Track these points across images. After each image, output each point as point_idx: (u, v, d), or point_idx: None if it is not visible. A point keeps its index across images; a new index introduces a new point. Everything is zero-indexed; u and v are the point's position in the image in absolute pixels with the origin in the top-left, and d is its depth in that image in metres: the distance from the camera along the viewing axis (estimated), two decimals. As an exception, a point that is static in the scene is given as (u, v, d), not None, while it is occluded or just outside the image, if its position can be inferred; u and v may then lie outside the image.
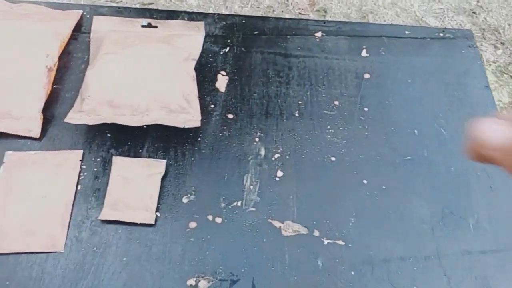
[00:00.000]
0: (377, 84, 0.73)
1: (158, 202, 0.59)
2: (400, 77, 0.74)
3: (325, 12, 0.99)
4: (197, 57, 0.72)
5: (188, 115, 0.64)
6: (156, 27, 0.76)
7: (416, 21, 1.04)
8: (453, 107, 0.71)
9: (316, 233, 0.57)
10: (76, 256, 0.54)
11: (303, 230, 0.57)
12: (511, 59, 0.96)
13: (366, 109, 0.70)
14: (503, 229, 0.60)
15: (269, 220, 0.58)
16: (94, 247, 0.55)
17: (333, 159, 0.64)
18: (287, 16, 0.97)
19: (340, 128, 0.67)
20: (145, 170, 0.61)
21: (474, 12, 1.03)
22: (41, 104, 0.65)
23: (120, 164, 0.61)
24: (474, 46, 0.80)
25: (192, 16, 0.79)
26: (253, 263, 0.55)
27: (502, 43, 0.97)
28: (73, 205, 0.58)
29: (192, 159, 0.63)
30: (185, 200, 0.59)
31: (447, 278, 0.55)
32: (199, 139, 0.65)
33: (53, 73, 0.70)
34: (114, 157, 0.62)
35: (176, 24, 0.76)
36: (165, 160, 0.62)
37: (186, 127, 0.63)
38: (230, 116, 0.68)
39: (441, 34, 0.80)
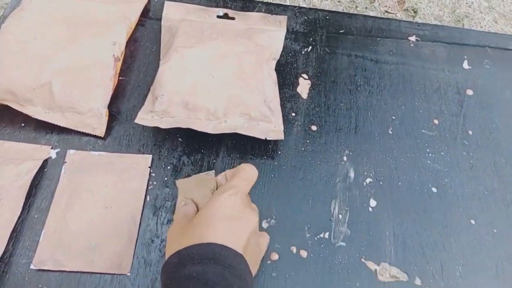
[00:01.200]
0: (482, 102, 0.64)
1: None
2: (508, 95, 0.65)
3: (415, 12, 0.89)
4: (278, 56, 0.64)
5: (270, 125, 0.56)
6: (233, 18, 0.68)
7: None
8: None
9: (418, 281, 0.49)
10: (144, 282, 0.48)
11: (402, 277, 0.49)
12: None
13: (470, 132, 0.61)
14: None
15: (362, 260, 0.50)
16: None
17: (434, 190, 0.55)
18: (371, 13, 0.88)
19: (442, 153, 0.58)
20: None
21: None
22: (107, 99, 0.58)
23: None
24: None
25: (269, 7, 0.71)
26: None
27: None
28: (141, 219, 0.52)
29: (272, 175, 0.55)
30: (265, 224, 0.52)
31: None
32: (279, 152, 0.57)
33: (120, 64, 0.63)
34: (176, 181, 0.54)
35: (255, 16, 0.67)
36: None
37: (268, 139, 0.55)
38: (314, 128, 0.60)
39: (554, 48, 0.70)
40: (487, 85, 0.65)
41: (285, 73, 0.65)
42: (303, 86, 0.64)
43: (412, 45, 0.69)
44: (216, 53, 0.59)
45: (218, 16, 0.68)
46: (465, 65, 0.67)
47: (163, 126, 0.55)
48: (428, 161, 0.58)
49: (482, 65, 0.68)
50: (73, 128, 0.57)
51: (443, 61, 0.68)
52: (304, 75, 0.65)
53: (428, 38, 0.70)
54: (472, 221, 0.53)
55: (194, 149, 0.57)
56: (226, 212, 0.40)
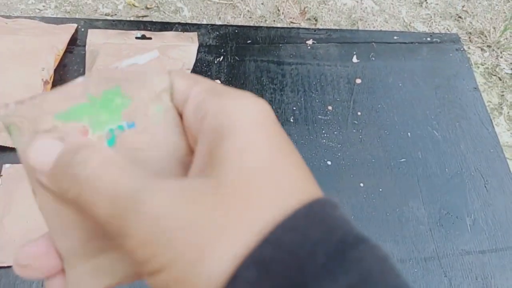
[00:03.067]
0: (369, 88, 0.74)
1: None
2: (390, 81, 0.76)
3: (316, 20, 1.01)
4: (191, 66, 0.73)
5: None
6: (150, 38, 0.77)
7: (404, 27, 1.06)
8: (444, 109, 0.73)
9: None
10: (78, 266, 0.55)
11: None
12: (497, 61, 0.98)
13: (359, 113, 0.71)
14: (500, 228, 0.61)
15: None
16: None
17: (329, 163, 0.65)
18: (279, 25, 0.99)
19: (335, 133, 0.68)
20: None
21: (460, 17, 1.05)
22: (38, 117, 0.66)
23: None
24: (462, 49, 0.82)
25: (185, 27, 0.81)
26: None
27: (489, 46, 0.99)
28: (73, 215, 0.59)
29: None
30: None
31: (448, 279, 0.56)
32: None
33: (49, 86, 0.70)
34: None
35: (170, 35, 0.77)
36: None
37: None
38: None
39: (429, 39, 0.82)
40: (373, 74, 0.76)
41: (200, 81, 0.74)
42: (216, 91, 0.73)
43: (309, 47, 0.80)
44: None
45: (137, 38, 0.76)
46: (354, 59, 0.78)
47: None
48: (324, 140, 0.67)
49: (369, 58, 0.79)
50: (7, 145, 0.64)
51: (335, 58, 0.78)
52: (217, 81, 0.74)
53: (323, 41, 0.81)
54: (361, 184, 0.63)
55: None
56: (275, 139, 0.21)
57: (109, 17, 0.99)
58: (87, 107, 0.24)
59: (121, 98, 0.24)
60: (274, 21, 0.98)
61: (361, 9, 1.03)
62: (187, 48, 0.75)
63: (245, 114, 0.21)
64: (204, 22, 0.98)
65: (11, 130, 0.23)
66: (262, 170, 0.20)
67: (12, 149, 0.64)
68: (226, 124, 0.21)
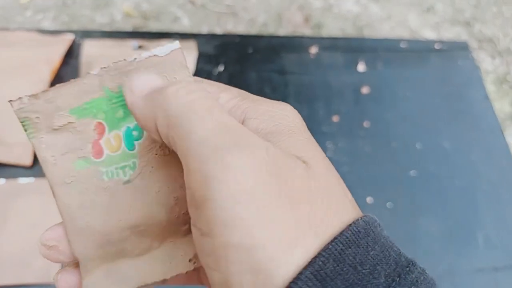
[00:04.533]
0: (376, 98, 0.72)
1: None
2: (398, 90, 0.73)
3: (320, 28, 0.98)
4: (191, 77, 0.71)
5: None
6: (147, 49, 0.74)
7: (411, 34, 1.04)
8: (454, 119, 0.70)
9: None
10: (71, 289, 0.52)
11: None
12: (508, 68, 0.95)
13: (366, 124, 0.68)
14: (513, 243, 0.58)
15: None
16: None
17: (334, 176, 0.62)
18: (281, 33, 0.97)
19: (340, 145, 0.65)
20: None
21: (468, 23, 1.03)
22: (32, 131, 0.64)
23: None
24: (471, 57, 0.79)
25: (184, 37, 0.78)
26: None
27: (499, 53, 0.96)
28: (66, 234, 0.56)
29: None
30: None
31: None
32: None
33: (45, 99, 0.68)
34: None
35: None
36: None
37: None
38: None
39: (437, 47, 0.80)
40: (380, 83, 0.74)
41: (200, 92, 0.72)
42: (217, 102, 0.71)
43: (312, 56, 0.77)
44: (130, 79, 0.66)
45: (134, 49, 0.74)
46: (360, 68, 0.76)
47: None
48: (329, 153, 0.64)
49: (376, 66, 0.76)
50: (1, 160, 0.62)
51: (340, 67, 0.76)
52: (217, 92, 0.72)
53: (328, 49, 0.79)
54: (370, 198, 0.60)
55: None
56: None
57: (107, 28, 0.97)
58: (103, 102, 0.23)
59: None
60: (276, 29, 0.96)
61: (366, 15, 1.00)
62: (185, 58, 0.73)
63: (290, 119, 0.22)
64: (204, 31, 0.96)
65: (26, 126, 0.22)
66: (327, 177, 0.19)
67: (6, 164, 0.61)
68: (274, 128, 0.21)
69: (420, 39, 0.89)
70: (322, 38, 0.81)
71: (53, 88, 0.22)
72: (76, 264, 0.24)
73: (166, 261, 0.24)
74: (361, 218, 0.19)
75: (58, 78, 0.72)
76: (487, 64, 0.98)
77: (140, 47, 0.74)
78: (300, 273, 0.17)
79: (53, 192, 0.23)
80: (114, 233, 0.23)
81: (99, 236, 0.23)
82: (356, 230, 0.18)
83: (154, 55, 0.23)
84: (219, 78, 0.73)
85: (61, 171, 0.23)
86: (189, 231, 0.24)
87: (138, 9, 1.00)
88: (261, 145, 0.18)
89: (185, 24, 0.98)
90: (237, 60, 0.76)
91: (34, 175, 0.61)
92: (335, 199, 0.19)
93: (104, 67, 0.22)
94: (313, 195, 0.18)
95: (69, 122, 0.22)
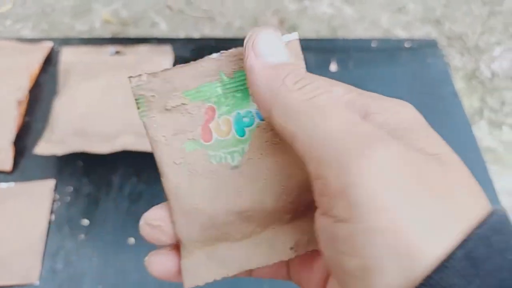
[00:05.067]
0: (347, 97, 0.74)
1: (133, 229, 0.58)
2: (370, 89, 0.75)
3: (295, 30, 1.01)
4: (167, 81, 0.73)
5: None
6: (124, 54, 0.76)
7: (384, 33, 1.06)
8: (425, 115, 0.72)
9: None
10: (51, 288, 0.54)
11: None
12: (477, 65, 0.98)
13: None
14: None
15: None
16: (70, 277, 0.55)
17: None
18: (257, 36, 0.99)
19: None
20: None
21: (439, 22, 1.06)
22: (12, 137, 0.65)
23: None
24: (440, 54, 0.81)
25: (161, 41, 0.80)
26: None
27: (468, 50, 0.99)
28: (47, 235, 0.58)
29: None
30: (159, 224, 0.59)
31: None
32: (172, 162, 0.65)
33: (24, 106, 0.70)
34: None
35: (144, 49, 0.76)
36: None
37: (157, 151, 0.63)
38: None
39: (407, 45, 0.82)
40: (352, 83, 0.75)
41: (176, 95, 0.74)
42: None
43: (286, 57, 0.79)
44: (106, 84, 0.67)
45: (111, 54, 0.76)
46: (332, 68, 0.78)
47: (60, 153, 0.62)
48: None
49: (347, 66, 0.78)
50: None
51: (312, 67, 0.78)
52: (194, 95, 0.74)
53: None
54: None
55: (93, 170, 0.64)
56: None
57: (86, 36, 0.99)
58: (217, 86, 0.23)
59: None
60: (253, 32, 0.98)
61: (341, 17, 1.03)
62: (161, 62, 0.74)
63: (413, 116, 0.22)
64: (182, 35, 0.98)
65: (140, 104, 0.23)
66: (461, 170, 0.20)
67: (-15, 171, 0.63)
68: (400, 125, 0.21)
69: (391, 38, 0.92)
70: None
71: (172, 68, 0.23)
72: (171, 247, 0.25)
73: (267, 247, 0.24)
74: (497, 209, 0.19)
75: (36, 86, 0.73)
76: (457, 61, 1.00)
77: (117, 52, 0.76)
78: (453, 253, 0.17)
79: (161, 172, 0.23)
80: (219, 216, 0.24)
81: (205, 219, 0.24)
82: (499, 218, 0.18)
83: None
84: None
85: (171, 152, 0.23)
86: (292, 219, 0.24)
87: (117, 16, 1.02)
88: (391, 140, 0.19)
89: (163, 29, 1.00)
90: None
91: (15, 180, 0.63)
92: (472, 190, 0.19)
93: (223, 52, 0.23)
94: (452, 186, 0.18)
95: (182, 104, 0.23)
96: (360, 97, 0.22)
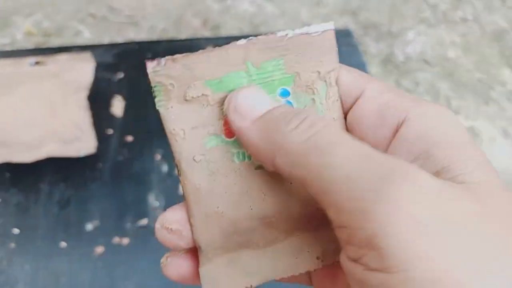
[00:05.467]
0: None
1: (63, 233, 0.59)
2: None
3: (219, 29, 1.04)
4: (88, 86, 0.74)
5: (82, 143, 0.65)
6: (45, 64, 0.76)
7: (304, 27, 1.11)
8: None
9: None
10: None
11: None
12: (390, 49, 1.05)
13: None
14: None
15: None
16: (1, 285, 0.55)
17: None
18: (183, 36, 1.01)
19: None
20: None
21: (355, 13, 1.12)
22: None
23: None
24: (354, 42, 0.87)
25: (84, 49, 0.81)
26: (169, 283, 0.56)
27: (382, 37, 1.06)
28: (-26, 250, 0.57)
29: (94, 185, 0.64)
30: (89, 226, 0.60)
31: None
32: (99, 165, 0.66)
33: None
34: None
35: (64, 58, 0.77)
36: None
37: (82, 155, 0.64)
38: (130, 138, 0.70)
39: (323, 36, 0.87)
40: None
41: (101, 99, 0.74)
42: (118, 106, 0.74)
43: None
44: (26, 95, 0.68)
45: (31, 65, 0.76)
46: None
47: (-16, 165, 0.61)
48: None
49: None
50: None
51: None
52: (119, 97, 0.75)
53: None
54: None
55: (21, 180, 0.64)
56: None
57: (8, 47, 0.98)
58: (242, 77, 0.21)
59: (281, 73, 0.21)
60: (177, 34, 1.00)
61: (262, 14, 1.07)
62: (82, 68, 0.75)
63: (457, 127, 0.20)
64: (106, 41, 0.99)
65: (157, 92, 0.21)
66: (501, 198, 0.17)
67: None
68: (442, 136, 0.19)
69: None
70: (218, 38, 0.86)
71: (193, 53, 0.20)
72: (188, 250, 0.22)
73: (292, 255, 0.22)
74: None
75: (-44, 101, 0.72)
76: (373, 48, 1.07)
77: (37, 63, 0.76)
78: None
79: (179, 170, 0.21)
80: (243, 222, 0.21)
81: (227, 223, 0.21)
82: None
83: (306, 33, 0.21)
84: (119, 84, 0.76)
85: (191, 147, 0.21)
86: (318, 227, 0.22)
87: (39, 27, 1.01)
88: (415, 171, 0.16)
89: (87, 37, 1.00)
90: (136, 66, 0.80)
91: None
92: None
93: (252, 39, 0.21)
94: (491, 224, 0.16)
95: (203, 94, 0.21)
96: (399, 100, 0.20)
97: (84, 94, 0.72)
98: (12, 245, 0.58)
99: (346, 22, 1.10)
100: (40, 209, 0.61)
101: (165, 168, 0.66)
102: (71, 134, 0.65)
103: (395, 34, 1.07)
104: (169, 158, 0.67)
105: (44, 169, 0.65)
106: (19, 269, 0.56)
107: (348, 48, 0.85)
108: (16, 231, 0.60)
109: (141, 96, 0.75)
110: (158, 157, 0.67)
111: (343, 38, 0.87)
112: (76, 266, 0.57)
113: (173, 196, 0.63)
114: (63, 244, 0.58)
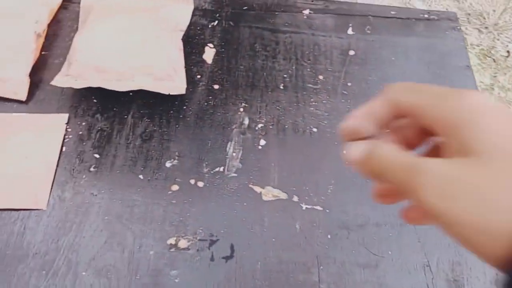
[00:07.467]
0: (361, 60, 0.74)
1: (142, 166, 0.60)
2: (384, 54, 0.76)
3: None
4: (184, 28, 0.73)
5: (173, 83, 0.65)
6: (145, -2, 0.76)
7: (403, 4, 1.05)
8: (435, 84, 0.73)
9: (295, 198, 0.58)
10: (59, 214, 0.55)
11: (283, 196, 0.58)
12: (494, 43, 0.98)
13: (349, 84, 0.71)
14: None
15: (250, 185, 0.59)
16: (77, 206, 0.56)
17: (315, 130, 0.65)
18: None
19: (324, 101, 0.68)
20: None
21: (460, -2, 1.05)
22: (28, 69, 0.66)
23: (105, 128, 0.62)
24: (458, 28, 0.81)
25: (182, -10, 0.80)
26: (232, 225, 0.56)
27: (486, 28, 0.99)
28: (57, 165, 0.59)
29: (177, 126, 0.64)
30: (168, 164, 0.60)
31: (421, 244, 0.57)
32: (184, 107, 0.66)
33: (42, 40, 0.70)
34: (99, 121, 0.62)
35: (165, -5, 0.76)
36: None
37: (171, 94, 0.64)
38: (216, 86, 0.69)
39: (426, 16, 0.82)
40: (367, 47, 0.76)
41: (193, 44, 0.74)
42: (209, 54, 0.73)
43: (305, 17, 0.79)
44: (126, 25, 0.68)
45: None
46: (350, 31, 0.78)
47: (77, 86, 0.62)
48: (311, 108, 0.67)
49: (364, 30, 0.78)
50: (-5, 94, 0.64)
51: (331, 29, 0.78)
52: (210, 45, 0.74)
53: (320, 11, 0.81)
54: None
55: (107, 108, 0.65)
56: None
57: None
58: None
59: None
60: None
61: (361, -16, 1.02)
62: (181, 8, 0.75)
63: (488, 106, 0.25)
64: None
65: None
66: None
67: (1, 99, 0.64)
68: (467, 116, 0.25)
69: (410, 8, 0.91)
70: (316, 0, 0.83)
71: None
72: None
73: None
74: None
75: (56, 21, 0.74)
76: (474, 38, 1.00)
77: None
78: None
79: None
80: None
81: None
82: None
83: None
84: (212, 32, 0.75)
85: None
86: None
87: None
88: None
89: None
90: (232, 15, 0.78)
91: (29, 111, 0.64)
92: None
93: None
94: (501, 181, 0.22)
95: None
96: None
97: (180, 35, 0.71)
98: (91, 169, 0.60)
99: (448, 5, 1.04)
100: (123, 139, 0.62)
101: (246, 121, 0.65)
102: (165, 71, 0.65)
103: (502, 27, 0.99)
104: (250, 112, 0.66)
105: (131, 101, 0.66)
106: (95, 193, 0.58)
107: (451, 32, 0.80)
108: (96, 155, 0.61)
109: (231, 47, 0.74)
110: (240, 109, 0.67)
111: (447, 21, 0.82)
112: (149, 199, 0.57)
113: (251, 150, 0.62)
114: (141, 176, 0.59)
